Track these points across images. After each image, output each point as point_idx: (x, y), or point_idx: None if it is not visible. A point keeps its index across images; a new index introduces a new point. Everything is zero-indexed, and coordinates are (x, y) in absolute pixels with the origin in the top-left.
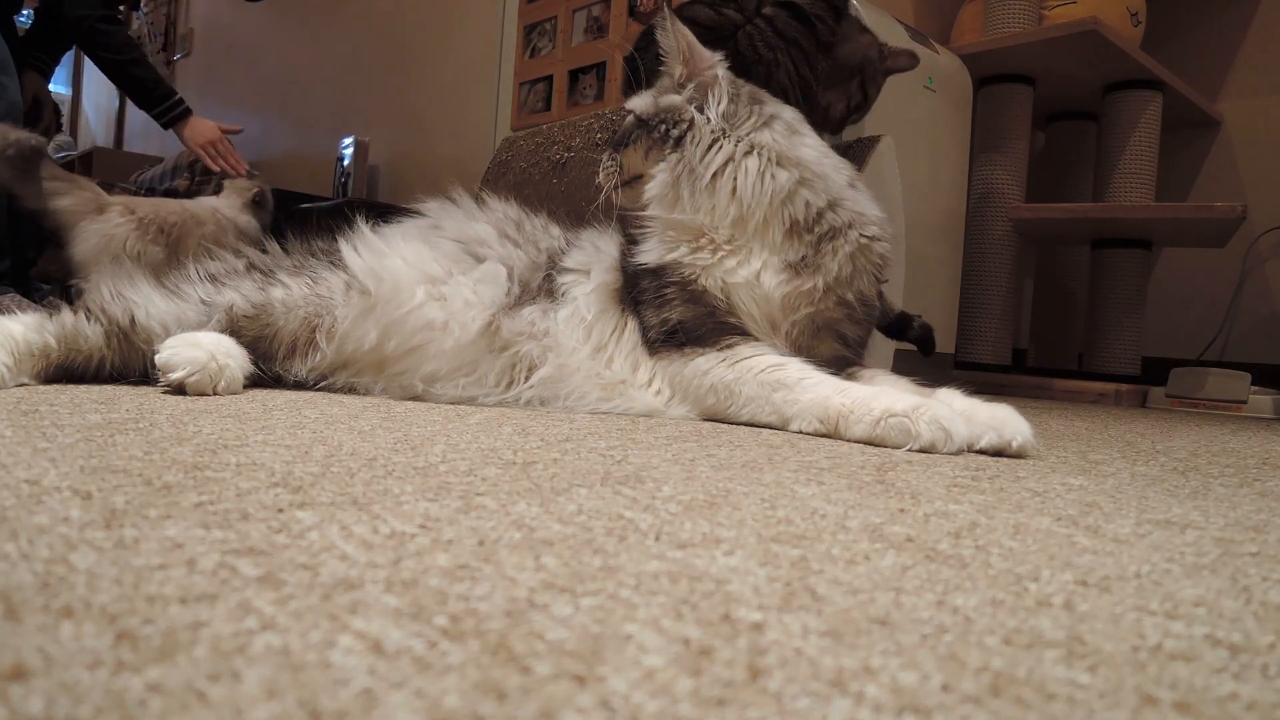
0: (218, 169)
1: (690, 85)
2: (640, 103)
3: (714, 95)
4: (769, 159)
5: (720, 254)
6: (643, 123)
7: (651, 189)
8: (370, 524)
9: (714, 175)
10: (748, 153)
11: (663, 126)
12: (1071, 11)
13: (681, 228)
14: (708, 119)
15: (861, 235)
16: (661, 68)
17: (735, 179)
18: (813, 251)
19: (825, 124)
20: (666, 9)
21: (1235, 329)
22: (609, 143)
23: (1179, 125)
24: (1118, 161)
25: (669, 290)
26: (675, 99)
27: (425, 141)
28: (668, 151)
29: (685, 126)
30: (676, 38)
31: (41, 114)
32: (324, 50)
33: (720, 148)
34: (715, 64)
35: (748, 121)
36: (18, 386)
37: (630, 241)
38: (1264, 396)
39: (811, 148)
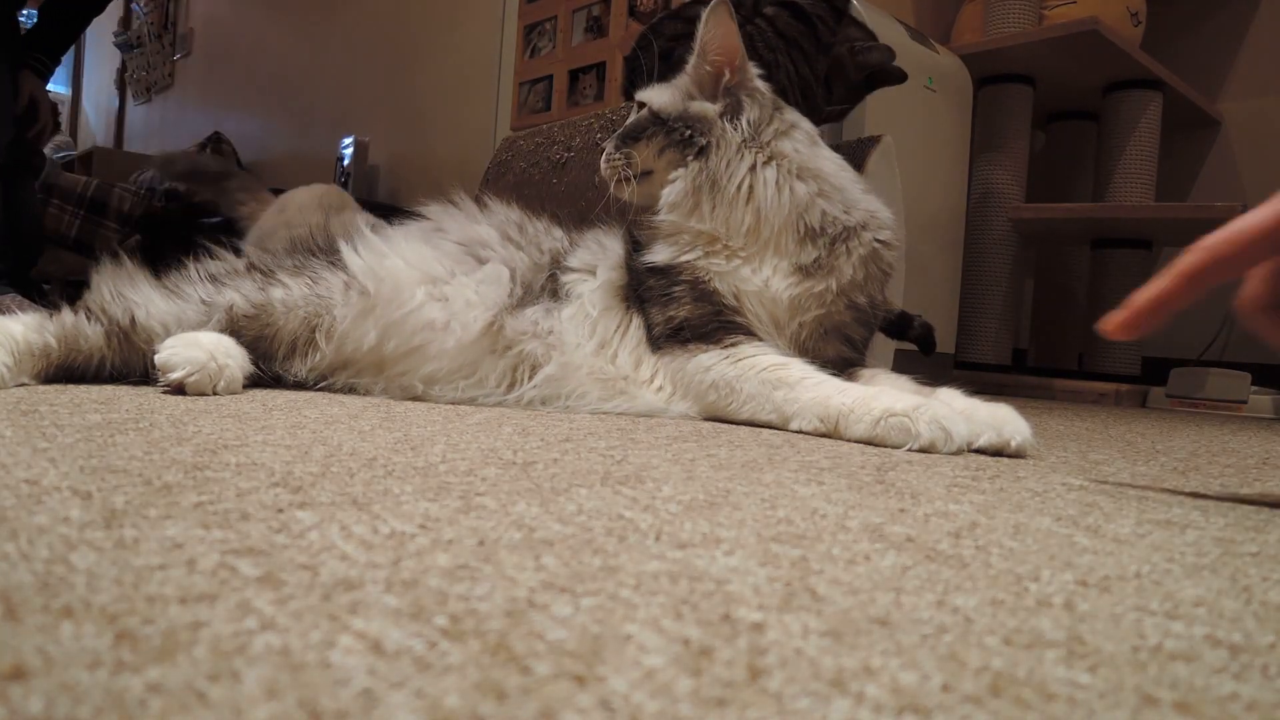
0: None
1: (739, 93)
2: (660, 98)
3: (749, 104)
4: (788, 170)
5: (735, 261)
6: (661, 121)
7: (669, 195)
8: (370, 524)
9: (737, 188)
10: (766, 162)
11: (687, 132)
12: (1071, 11)
13: (695, 233)
14: (738, 129)
15: (875, 239)
16: (687, 64)
17: (753, 189)
18: (826, 254)
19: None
20: (721, 3)
21: (1235, 329)
22: (618, 134)
23: (1179, 125)
24: (1118, 161)
25: (678, 289)
26: (708, 108)
27: (425, 141)
28: (689, 158)
29: (714, 138)
30: (731, 38)
31: (37, 115)
32: (324, 50)
33: (742, 157)
34: (756, 75)
35: (769, 128)
36: (18, 386)
37: (635, 241)
38: (1264, 396)
39: (829, 160)
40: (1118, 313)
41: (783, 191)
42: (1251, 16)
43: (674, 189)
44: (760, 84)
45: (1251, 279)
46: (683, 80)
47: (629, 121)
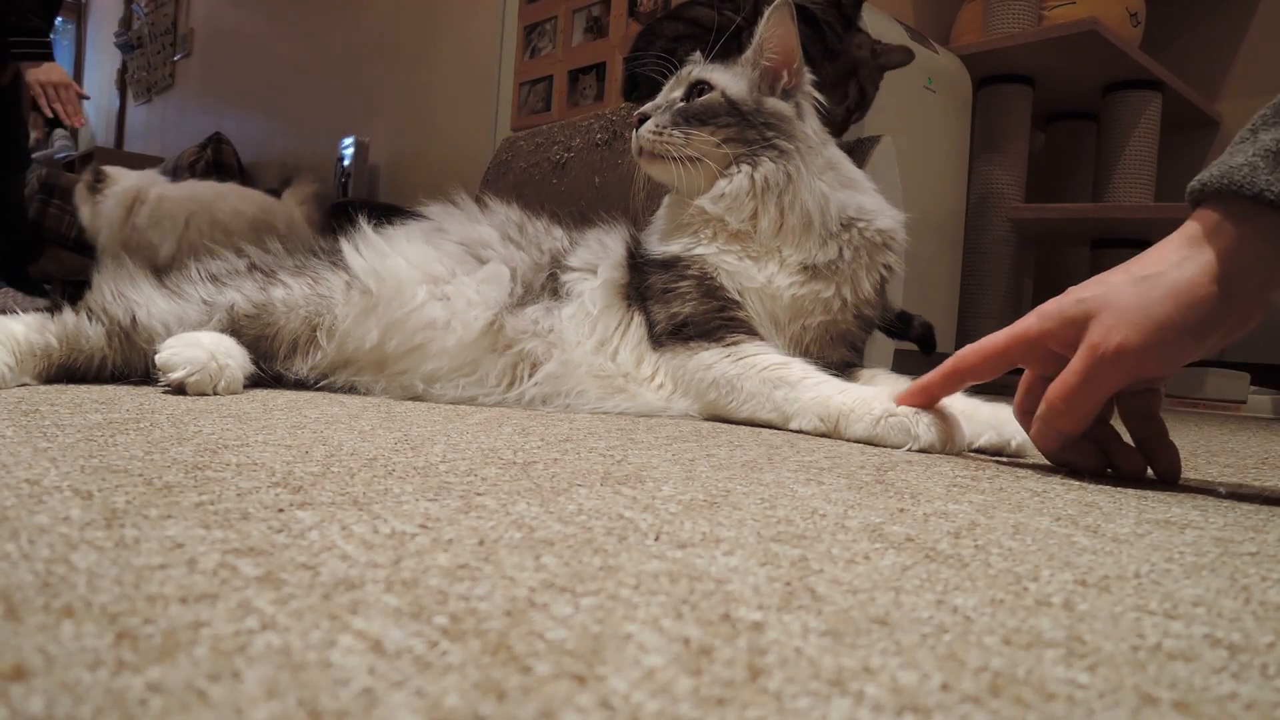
0: (50, 114)
1: (797, 96)
2: (734, 86)
3: (809, 112)
4: (836, 181)
5: (746, 261)
6: (739, 111)
7: (728, 187)
8: (370, 524)
9: (793, 194)
10: (821, 172)
11: (769, 133)
12: (1071, 11)
13: (722, 228)
14: (813, 135)
15: (886, 261)
16: (738, 59)
17: (803, 199)
18: (849, 258)
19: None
20: (785, 3)
21: None
22: (677, 110)
23: (1179, 125)
24: (1117, 161)
25: (684, 284)
26: (784, 106)
27: (425, 142)
28: (763, 157)
29: (799, 144)
30: (791, 39)
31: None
32: (324, 50)
33: (814, 168)
34: (810, 80)
35: (822, 134)
36: (19, 386)
37: (636, 240)
38: (1263, 396)
39: (860, 170)
40: (906, 392)
41: (827, 200)
42: (1250, 16)
43: (737, 183)
44: (813, 90)
45: (1019, 389)
46: (746, 70)
47: (699, 101)
